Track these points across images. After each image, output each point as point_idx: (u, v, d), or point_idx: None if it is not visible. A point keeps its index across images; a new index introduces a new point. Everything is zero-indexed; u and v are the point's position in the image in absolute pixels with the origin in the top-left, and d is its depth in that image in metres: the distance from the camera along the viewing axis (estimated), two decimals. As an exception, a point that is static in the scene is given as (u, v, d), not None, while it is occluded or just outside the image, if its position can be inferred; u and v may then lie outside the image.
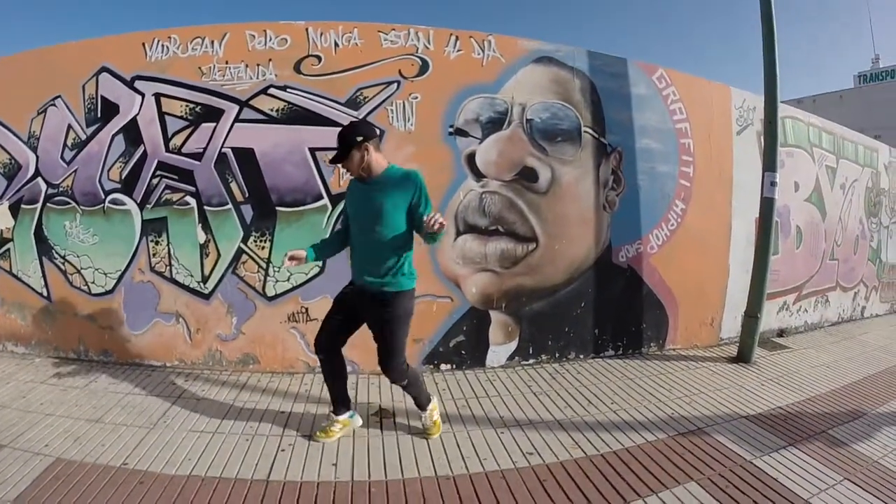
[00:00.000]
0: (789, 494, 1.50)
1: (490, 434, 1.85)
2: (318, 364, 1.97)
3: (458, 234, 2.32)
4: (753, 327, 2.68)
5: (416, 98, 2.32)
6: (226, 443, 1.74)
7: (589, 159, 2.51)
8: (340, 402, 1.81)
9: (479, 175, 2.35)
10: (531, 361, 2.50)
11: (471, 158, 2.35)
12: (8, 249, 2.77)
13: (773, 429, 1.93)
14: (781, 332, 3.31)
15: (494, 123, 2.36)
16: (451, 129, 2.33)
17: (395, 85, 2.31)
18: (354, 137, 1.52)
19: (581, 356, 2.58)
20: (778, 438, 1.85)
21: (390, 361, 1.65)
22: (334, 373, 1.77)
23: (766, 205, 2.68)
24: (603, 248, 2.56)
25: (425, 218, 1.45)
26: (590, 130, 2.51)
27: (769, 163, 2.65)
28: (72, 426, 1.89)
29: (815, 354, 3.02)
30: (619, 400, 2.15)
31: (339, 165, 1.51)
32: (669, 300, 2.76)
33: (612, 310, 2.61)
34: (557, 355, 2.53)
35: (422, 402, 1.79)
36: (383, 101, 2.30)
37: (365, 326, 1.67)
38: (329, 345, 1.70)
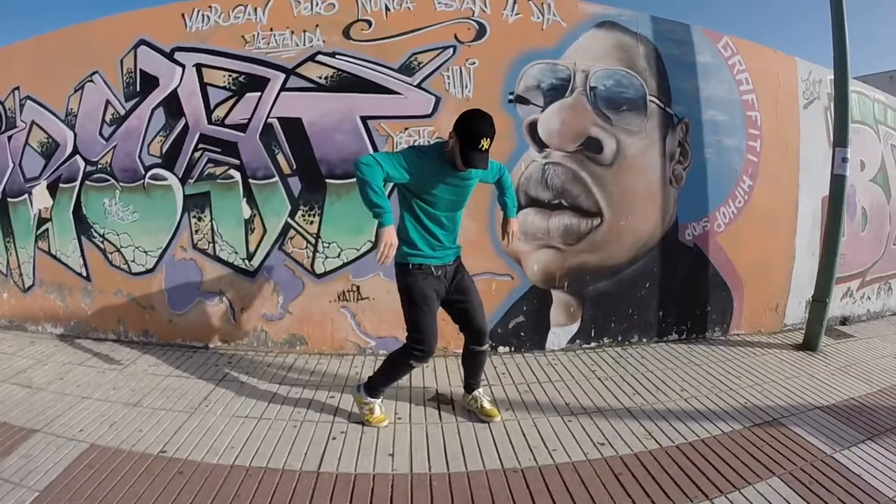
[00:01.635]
0: (874, 492, 1.30)
1: (557, 422, 1.63)
2: (369, 346, 1.78)
3: (520, 207, 2.06)
4: (821, 313, 2.38)
5: (474, 63, 2.06)
6: (272, 430, 1.54)
7: (655, 130, 2.23)
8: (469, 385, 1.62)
9: (541, 145, 2.10)
10: (592, 345, 2.24)
11: (532, 127, 2.09)
12: (46, 230, 2.58)
13: (849, 421, 1.70)
14: (844, 320, 2.99)
15: (556, 91, 2.10)
16: (510, 97, 2.07)
17: (451, 50, 2.06)
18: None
19: (644, 340, 2.31)
20: (855, 432, 1.62)
21: (485, 323, 1.52)
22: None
23: (837, 182, 2.37)
24: (669, 225, 2.28)
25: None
26: (655, 100, 2.23)
27: (840, 137, 2.34)
28: (108, 410, 1.72)
29: (881, 344, 2.71)
30: (688, 388, 1.91)
31: (475, 163, 1.22)
32: (735, 283, 2.46)
33: (678, 291, 2.34)
34: (620, 339, 2.27)
35: (480, 379, 1.61)
36: (439, 66, 2.05)
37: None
38: (434, 346, 1.47)
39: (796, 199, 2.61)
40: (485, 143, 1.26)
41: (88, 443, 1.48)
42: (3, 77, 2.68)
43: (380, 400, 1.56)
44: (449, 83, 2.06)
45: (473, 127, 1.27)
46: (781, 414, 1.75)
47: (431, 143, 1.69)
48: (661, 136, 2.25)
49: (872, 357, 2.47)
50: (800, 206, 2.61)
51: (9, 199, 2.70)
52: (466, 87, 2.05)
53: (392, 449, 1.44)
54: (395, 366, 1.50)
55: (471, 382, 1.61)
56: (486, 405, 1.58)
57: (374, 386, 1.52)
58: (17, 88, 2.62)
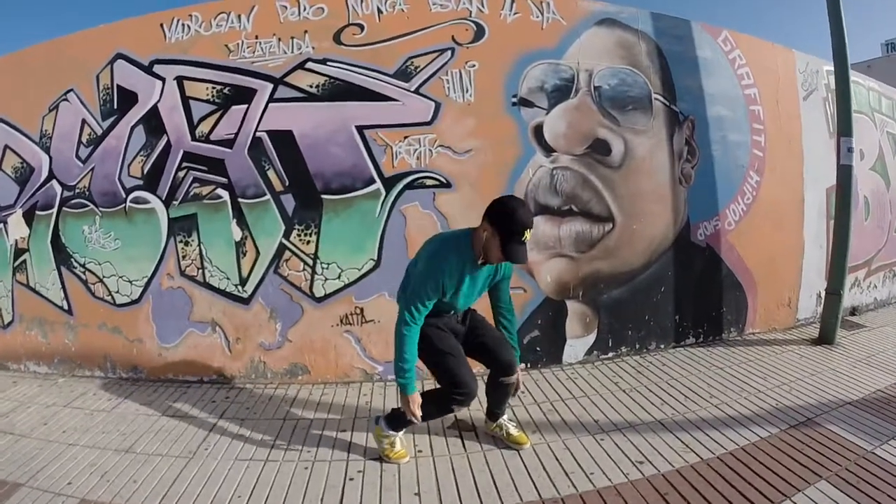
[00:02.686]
0: (922, 486, 1.16)
1: (589, 442, 1.46)
2: (376, 371, 1.59)
3: (530, 215, 1.97)
4: (836, 306, 2.24)
5: (474, 66, 1.88)
6: (281, 473, 1.34)
7: (662, 129, 2.08)
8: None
9: (547, 149, 1.92)
10: (610, 355, 2.07)
11: (538, 131, 1.91)
12: (24, 261, 2.31)
13: (881, 414, 1.61)
14: (854, 311, 2.86)
15: (560, 92, 1.93)
16: (514, 99, 1.89)
17: (449, 52, 1.87)
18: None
19: (662, 346, 2.15)
20: (890, 424, 1.53)
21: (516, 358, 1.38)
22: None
23: (844, 172, 2.24)
24: (681, 227, 2.13)
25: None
26: (660, 97, 2.08)
27: (844, 127, 2.21)
28: (98, 458, 1.50)
29: (895, 332, 2.64)
30: (716, 393, 1.77)
31: (516, 256, 1.12)
32: (748, 280, 2.32)
33: (693, 294, 2.18)
34: (637, 346, 2.10)
35: (506, 408, 1.44)
36: (437, 70, 1.87)
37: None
38: (475, 388, 1.32)
39: (802, 192, 2.48)
40: (528, 235, 1.15)
41: (78, 497, 1.28)
42: (-27, 99, 2.50)
43: (401, 433, 1.38)
44: (449, 87, 1.87)
45: (517, 218, 1.13)
46: (814, 413, 1.64)
47: (449, 236, 1.36)
48: (669, 134, 2.09)
49: (889, 346, 2.35)
50: (805, 199, 2.49)
51: (-18, 230, 2.52)
52: (467, 91, 1.87)
53: (417, 487, 1.26)
54: (433, 408, 1.34)
55: (495, 411, 1.43)
56: (514, 432, 1.41)
57: (399, 418, 1.33)
58: (-12, 111, 2.45)
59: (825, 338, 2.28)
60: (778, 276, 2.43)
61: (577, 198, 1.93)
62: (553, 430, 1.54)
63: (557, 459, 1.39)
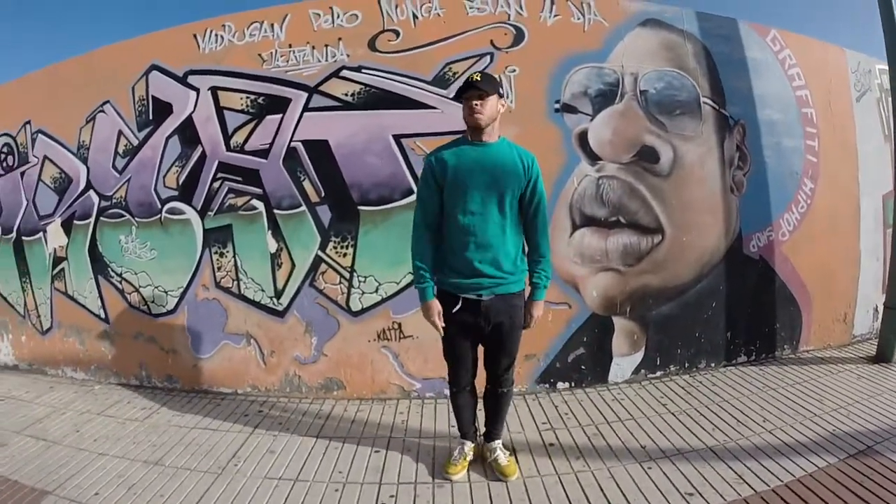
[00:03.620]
0: None
1: (636, 471, 1.32)
2: (414, 388, 1.49)
3: (575, 228, 1.74)
4: (894, 321, 2.03)
5: (514, 71, 1.74)
6: (310, 495, 1.26)
7: (711, 134, 1.90)
8: (470, 432, 1.35)
9: (593, 157, 1.77)
10: (658, 374, 1.89)
11: (582, 138, 1.76)
12: (62, 269, 2.27)
13: None
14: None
15: (605, 97, 1.78)
16: (556, 105, 1.75)
17: (489, 58, 1.74)
18: (499, 84, 1.19)
19: (712, 365, 1.96)
20: None
21: (511, 366, 1.25)
22: (467, 405, 1.32)
23: None
24: (733, 238, 1.94)
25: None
26: (709, 101, 1.90)
27: None
28: (126, 469, 1.44)
29: None
30: (770, 417, 1.59)
31: (471, 101, 1.05)
32: (802, 295, 2.11)
33: (745, 309, 1.99)
34: (687, 365, 1.92)
35: (499, 428, 1.33)
36: (476, 76, 1.85)
37: None
38: (465, 381, 1.24)
39: (857, 199, 2.26)
40: (473, 76, 1.10)
41: (103, 510, 1.20)
42: (15, 111, 2.40)
43: (468, 444, 1.32)
44: (489, 94, 1.82)
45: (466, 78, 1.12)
46: (874, 440, 1.44)
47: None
48: (719, 140, 1.91)
49: (954, 366, 2.16)
50: (861, 206, 2.26)
51: (24, 238, 2.40)
52: (508, 97, 1.72)
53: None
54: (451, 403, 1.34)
55: (489, 430, 1.32)
56: (503, 461, 1.28)
57: (456, 418, 1.33)
58: (29, 122, 2.34)
59: (883, 356, 2.05)
60: (833, 290, 2.21)
61: (625, 208, 1.77)
62: (598, 456, 1.40)
63: (602, 489, 1.26)
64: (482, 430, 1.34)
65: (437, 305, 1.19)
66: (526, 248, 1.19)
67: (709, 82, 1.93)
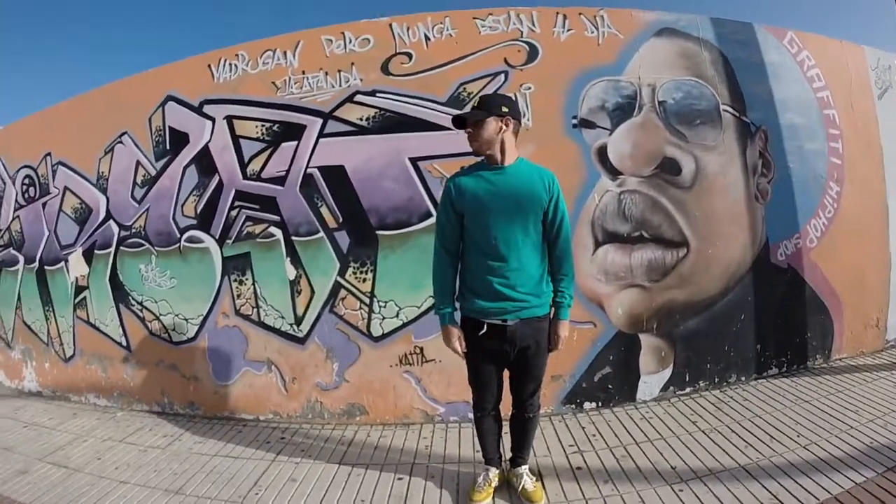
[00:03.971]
0: None
1: (666, 493, 1.29)
2: (437, 413, 1.45)
3: (598, 245, 1.69)
4: None
5: (529, 88, 1.70)
6: None
7: (733, 143, 1.84)
8: (495, 458, 1.31)
9: (613, 172, 1.72)
10: (688, 390, 1.83)
11: (602, 153, 1.72)
12: (84, 298, 2.29)
13: None
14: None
15: (623, 110, 1.73)
16: (574, 121, 1.71)
17: (503, 76, 1.70)
18: (498, 104, 1.11)
19: (743, 378, 1.89)
20: None
21: (537, 391, 1.22)
22: (492, 430, 1.28)
23: None
24: (760, 248, 1.87)
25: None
26: (729, 108, 1.84)
27: None
28: (147, 498, 1.42)
29: None
30: (804, 431, 1.51)
31: (465, 132, 1.05)
32: (833, 301, 2.03)
33: (774, 319, 1.92)
34: (717, 380, 1.85)
35: (525, 452, 1.29)
36: (491, 95, 1.82)
37: None
38: (490, 405, 1.24)
39: (885, 200, 2.17)
40: (473, 102, 1.10)
41: (122, 542, 1.16)
42: (36, 143, 2.43)
43: (493, 470, 1.29)
44: (504, 113, 1.80)
45: None
46: None
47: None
48: (741, 148, 1.85)
49: None
50: (889, 206, 2.18)
51: (46, 267, 2.42)
52: (524, 115, 1.68)
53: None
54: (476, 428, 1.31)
55: (515, 455, 1.28)
56: (530, 487, 1.23)
57: (481, 446, 1.30)
58: (49, 154, 2.37)
59: None
60: (865, 295, 2.12)
61: (648, 223, 1.72)
62: (627, 479, 1.34)
63: None
64: (508, 455, 1.30)
65: (456, 330, 1.18)
66: (550, 269, 1.14)
67: (728, 89, 1.87)
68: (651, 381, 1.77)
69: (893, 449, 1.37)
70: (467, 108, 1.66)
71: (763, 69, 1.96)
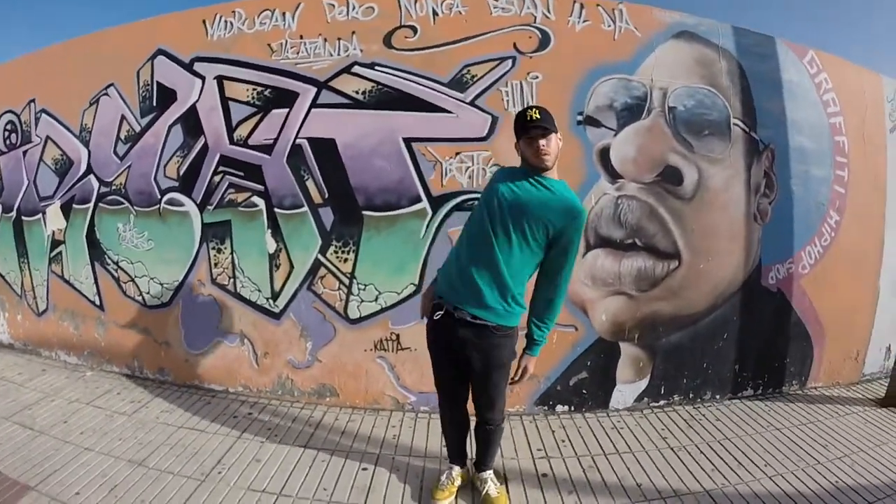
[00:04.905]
0: None
1: None
2: (408, 401, 1.39)
3: (589, 248, 1.61)
4: None
5: (537, 78, 1.59)
6: None
7: (739, 158, 1.74)
8: (459, 456, 1.27)
9: (613, 175, 1.62)
10: (661, 403, 1.78)
11: (604, 154, 1.61)
12: (60, 252, 2.16)
13: None
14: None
15: (631, 111, 1.62)
16: (579, 117, 1.59)
17: (510, 62, 1.58)
18: (553, 122, 1.03)
19: (717, 397, 1.84)
20: None
21: (497, 403, 1.13)
22: (456, 427, 1.23)
23: None
24: (752, 268, 1.80)
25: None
26: (740, 123, 1.73)
27: None
28: (110, 468, 1.37)
29: None
30: (771, 461, 1.47)
31: (537, 140, 0.96)
32: (817, 330, 1.98)
33: (757, 342, 1.86)
34: (691, 396, 1.80)
35: (489, 459, 1.24)
36: (496, 81, 1.59)
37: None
38: (455, 407, 1.17)
39: (882, 234, 2.09)
40: (532, 114, 1.01)
41: (84, 512, 1.12)
42: (21, 88, 2.26)
43: (457, 469, 1.24)
44: (508, 100, 1.59)
45: (520, 113, 1.03)
46: (876, 496, 1.33)
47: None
48: (746, 164, 1.75)
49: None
50: (885, 242, 2.11)
51: (23, 218, 2.29)
52: (528, 105, 1.58)
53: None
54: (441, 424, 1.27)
55: (480, 461, 1.22)
56: (493, 493, 1.19)
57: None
58: (34, 101, 2.20)
59: (892, 400, 1.91)
60: (849, 328, 2.07)
61: (643, 231, 1.63)
62: (591, 492, 1.30)
63: None
64: (474, 457, 1.25)
65: (429, 293, 1.15)
66: (535, 298, 1.05)
67: (741, 102, 1.76)
68: (626, 391, 1.72)
69: (857, 491, 1.34)
70: (473, 89, 1.52)
71: (779, 86, 1.85)
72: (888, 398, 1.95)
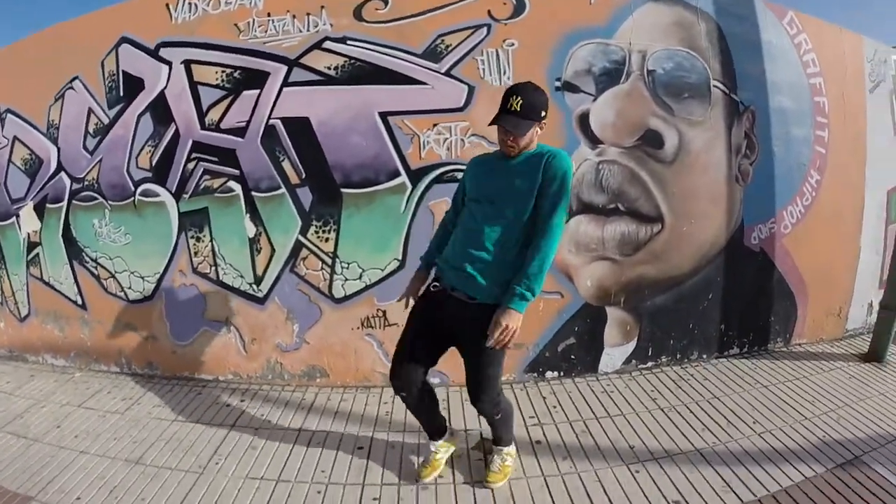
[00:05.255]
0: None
1: (623, 474, 1.26)
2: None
3: (571, 215, 1.59)
4: (890, 322, 1.89)
5: (513, 45, 1.55)
6: (293, 497, 1.19)
7: (720, 120, 1.72)
8: (436, 431, 1.25)
9: (594, 141, 1.59)
10: (649, 364, 1.79)
11: (583, 120, 1.59)
12: (37, 255, 2.10)
13: None
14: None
15: (610, 76, 1.59)
16: (557, 83, 1.56)
17: (485, 29, 1.54)
18: (539, 111, 0.97)
19: (704, 356, 1.86)
20: None
21: (483, 394, 1.09)
22: (423, 407, 1.18)
23: None
24: (734, 229, 1.80)
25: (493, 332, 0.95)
26: (720, 84, 1.71)
27: None
28: (108, 470, 1.36)
29: None
30: (760, 418, 1.50)
31: (506, 135, 0.92)
32: (800, 288, 2.00)
33: (741, 302, 1.88)
34: (679, 356, 1.82)
35: (502, 438, 1.23)
36: (471, 50, 1.54)
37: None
38: (412, 378, 1.11)
39: (863, 193, 2.10)
40: (513, 102, 0.94)
41: (86, 517, 1.10)
42: (-17, 89, 2.25)
43: (440, 445, 1.23)
44: (484, 69, 1.54)
45: (509, 88, 0.98)
46: (862, 449, 1.37)
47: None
48: (727, 126, 1.73)
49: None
50: (865, 201, 2.12)
51: (-2, 222, 2.32)
52: (505, 72, 1.54)
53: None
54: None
55: (493, 438, 1.21)
56: (494, 468, 1.19)
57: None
58: (-3, 100, 2.21)
59: (875, 355, 1.94)
60: (831, 285, 2.09)
61: (625, 195, 1.61)
62: (585, 456, 1.32)
63: (588, 494, 1.18)
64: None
65: (420, 275, 1.15)
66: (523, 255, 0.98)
67: (720, 64, 1.73)
68: (614, 354, 1.73)
69: (843, 444, 1.38)
70: (448, 59, 1.49)
71: (759, 47, 1.82)
72: (871, 353, 1.99)
